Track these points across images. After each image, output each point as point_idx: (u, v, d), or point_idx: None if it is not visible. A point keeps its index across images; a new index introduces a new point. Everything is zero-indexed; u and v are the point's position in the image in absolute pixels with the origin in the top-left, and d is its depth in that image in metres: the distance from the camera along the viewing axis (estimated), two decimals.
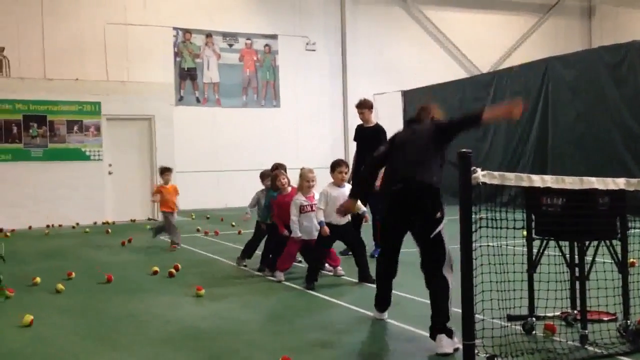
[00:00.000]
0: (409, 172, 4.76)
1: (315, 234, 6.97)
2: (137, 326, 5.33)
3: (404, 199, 4.78)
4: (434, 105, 5.25)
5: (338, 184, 6.90)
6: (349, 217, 6.88)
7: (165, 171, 10.42)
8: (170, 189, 10.27)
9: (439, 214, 4.64)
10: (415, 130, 5.05)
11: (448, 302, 4.50)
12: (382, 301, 5.26)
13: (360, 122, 9.29)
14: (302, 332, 5.04)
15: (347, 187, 6.93)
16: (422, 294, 5.85)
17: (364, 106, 9.10)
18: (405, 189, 4.75)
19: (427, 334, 4.57)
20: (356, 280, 6.91)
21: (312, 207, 7.09)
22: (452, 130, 4.87)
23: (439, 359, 4.25)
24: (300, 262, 7.79)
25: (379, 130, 8.95)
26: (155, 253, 9.66)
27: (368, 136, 8.90)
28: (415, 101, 18.35)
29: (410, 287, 6.37)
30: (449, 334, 4.34)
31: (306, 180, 7.12)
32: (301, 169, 7.34)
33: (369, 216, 7.43)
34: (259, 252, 8.08)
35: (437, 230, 4.62)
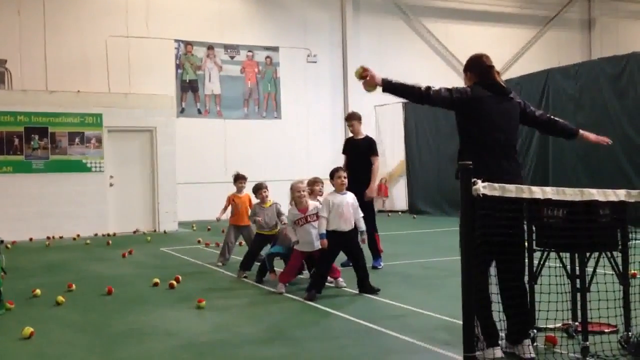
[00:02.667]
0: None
1: (317, 244, 6.97)
2: (138, 339, 5.31)
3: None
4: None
5: (339, 190, 6.92)
6: (353, 224, 6.88)
7: (239, 178, 9.38)
8: (245, 199, 9.24)
9: None
10: (506, 105, 4.59)
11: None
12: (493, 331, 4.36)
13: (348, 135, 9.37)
14: (303, 344, 5.02)
15: (349, 194, 6.95)
16: (425, 306, 5.86)
17: (353, 118, 9.14)
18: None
19: (431, 347, 4.58)
20: (357, 292, 6.88)
21: (307, 219, 7.09)
22: (533, 123, 4.80)
23: None
24: (301, 273, 7.78)
25: (370, 141, 9.01)
26: (155, 265, 9.65)
27: (360, 148, 8.96)
28: (415, 113, 18.43)
29: (412, 300, 6.36)
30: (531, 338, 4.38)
31: (296, 191, 7.14)
32: (291, 184, 7.35)
33: (365, 238, 7.30)
34: (257, 263, 8.11)
35: None
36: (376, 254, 8.73)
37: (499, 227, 4.08)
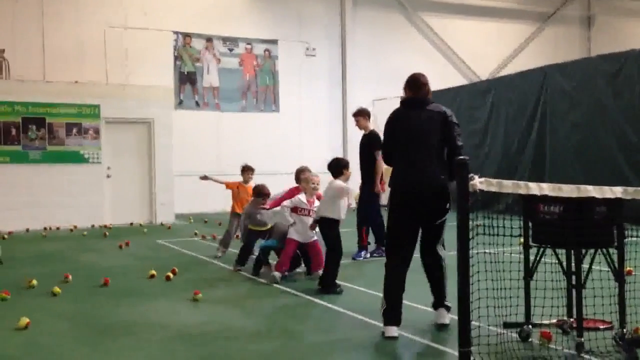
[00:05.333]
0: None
1: (311, 235, 6.99)
2: (133, 330, 5.32)
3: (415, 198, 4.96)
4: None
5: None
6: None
7: (246, 170, 9.57)
8: (249, 190, 9.24)
9: (448, 205, 4.98)
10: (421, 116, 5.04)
11: (444, 280, 5.20)
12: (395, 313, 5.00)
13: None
14: (297, 337, 5.03)
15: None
16: (420, 300, 5.86)
17: (358, 114, 9.22)
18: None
19: (425, 341, 4.68)
20: (351, 285, 6.88)
21: (309, 212, 7.12)
22: (447, 139, 4.97)
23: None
24: (299, 266, 7.76)
25: (370, 137, 9.05)
26: (152, 257, 9.65)
27: (362, 143, 9.08)
28: None
29: (406, 293, 6.36)
30: (447, 309, 5.16)
31: (312, 183, 7.19)
32: (306, 172, 7.35)
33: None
34: (253, 256, 8.11)
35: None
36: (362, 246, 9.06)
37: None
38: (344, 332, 5.17)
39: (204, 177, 9.89)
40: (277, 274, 7.18)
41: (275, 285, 7.09)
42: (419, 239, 5.11)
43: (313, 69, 19.18)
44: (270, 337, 5.04)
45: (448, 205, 4.96)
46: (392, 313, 4.90)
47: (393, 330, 4.87)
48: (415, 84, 5.16)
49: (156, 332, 5.25)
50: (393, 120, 5.13)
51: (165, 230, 13.52)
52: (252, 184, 9.34)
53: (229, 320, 5.59)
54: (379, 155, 8.54)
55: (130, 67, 16.75)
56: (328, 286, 6.61)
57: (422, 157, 4.90)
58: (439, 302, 5.23)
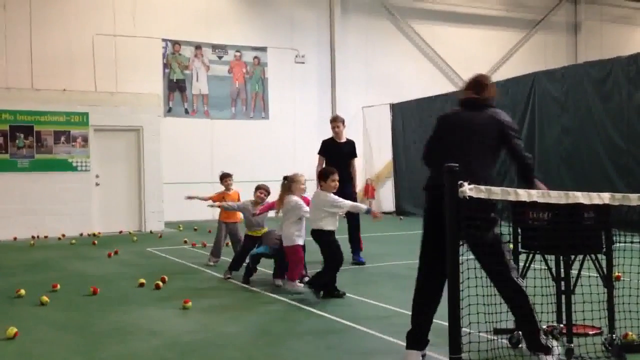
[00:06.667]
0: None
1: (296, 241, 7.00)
2: (123, 339, 5.29)
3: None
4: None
5: (330, 191, 6.87)
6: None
7: (225, 177, 9.64)
8: (235, 196, 9.50)
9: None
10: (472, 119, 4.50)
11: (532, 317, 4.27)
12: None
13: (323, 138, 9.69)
14: (288, 345, 5.02)
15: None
16: (410, 307, 5.86)
17: (340, 120, 9.37)
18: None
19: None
20: (344, 292, 6.88)
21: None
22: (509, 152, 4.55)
23: None
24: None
25: (354, 145, 9.38)
26: (141, 265, 9.60)
27: (344, 151, 9.22)
28: (403, 114, 18.48)
29: (397, 300, 6.37)
30: (546, 350, 4.19)
31: (301, 184, 7.21)
32: (293, 175, 7.36)
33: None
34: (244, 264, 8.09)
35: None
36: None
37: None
38: (334, 339, 5.15)
39: (189, 197, 9.93)
40: (300, 286, 6.97)
41: (266, 293, 7.07)
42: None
43: (302, 76, 19.21)
44: (261, 345, 5.02)
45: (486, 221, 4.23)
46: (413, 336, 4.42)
47: (413, 356, 4.38)
48: (477, 84, 4.63)
49: (147, 340, 5.22)
50: (446, 119, 4.63)
51: (155, 238, 13.47)
52: (234, 189, 9.56)
53: (220, 329, 5.57)
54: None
55: (119, 75, 16.70)
56: (330, 293, 6.63)
57: (466, 163, 4.20)
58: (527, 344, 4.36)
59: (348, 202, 6.92)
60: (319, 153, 9.51)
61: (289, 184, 7.18)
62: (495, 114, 4.50)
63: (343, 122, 9.48)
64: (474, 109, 4.54)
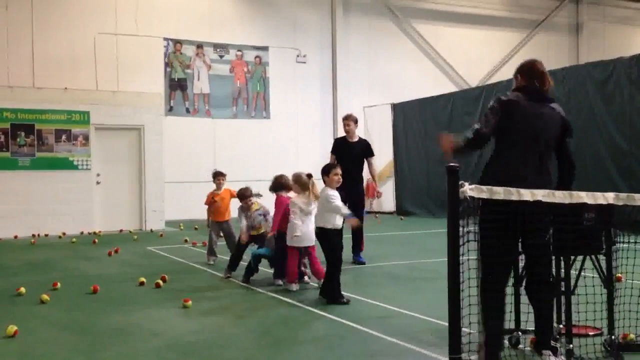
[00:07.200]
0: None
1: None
2: (123, 338, 5.28)
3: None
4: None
5: (333, 187, 6.82)
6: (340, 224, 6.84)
7: (217, 176, 9.64)
8: (224, 194, 9.51)
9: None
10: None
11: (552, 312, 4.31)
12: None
13: (339, 135, 9.57)
14: (289, 345, 5.01)
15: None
16: (411, 307, 5.86)
17: (352, 119, 9.30)
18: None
19: (416, 348, 4.60)
20: (349, 300, 6.76)
21: (310, 211, 7.10)
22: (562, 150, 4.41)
23: None
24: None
25: (368, 145, 9.31)
26: (142, 264, 9.60)
27: (355, 151, 9.17)
28: (404, 114, 18.48)
29: (398, 301, 6.37)
30: (554, 351, 4.17)
31: (304, 183, 7.15)
32: (294, 174, 7.32)
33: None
34: (243, 263, 8.08)
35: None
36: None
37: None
38: (335, 340, 5.14)
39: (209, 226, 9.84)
40: (293, 286, 7.05)
41: (267, 293, 7.06)
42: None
43: (304, 76, 19.20)
44: (262, 345, 5.01)
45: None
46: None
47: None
48: (535, 72, 4.34)
49: (148, 340, 5.21)
50: (514, 105, 4.20)
51: (156, 237, 13.46)
52: (224, 187, 9.61)
53: (221, 329, 5.55)
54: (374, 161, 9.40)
55: (121, 74, 16.70)
56: (333, 298, 6.43)
57: (535, 158, 4.16)
58: (542, 341, 4.24)
59: (338, 204, 6.69)
60: (331, 152, 9.54)
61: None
62: (557, 108, 4.35)
63: (355, 121, 9.35)
64: (539, 100, 4.31)
